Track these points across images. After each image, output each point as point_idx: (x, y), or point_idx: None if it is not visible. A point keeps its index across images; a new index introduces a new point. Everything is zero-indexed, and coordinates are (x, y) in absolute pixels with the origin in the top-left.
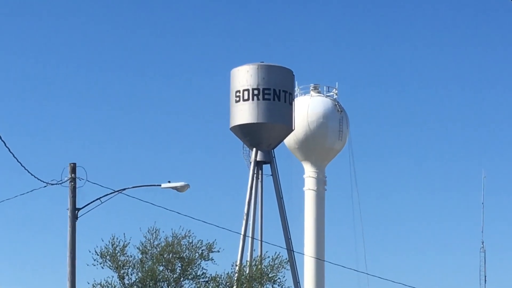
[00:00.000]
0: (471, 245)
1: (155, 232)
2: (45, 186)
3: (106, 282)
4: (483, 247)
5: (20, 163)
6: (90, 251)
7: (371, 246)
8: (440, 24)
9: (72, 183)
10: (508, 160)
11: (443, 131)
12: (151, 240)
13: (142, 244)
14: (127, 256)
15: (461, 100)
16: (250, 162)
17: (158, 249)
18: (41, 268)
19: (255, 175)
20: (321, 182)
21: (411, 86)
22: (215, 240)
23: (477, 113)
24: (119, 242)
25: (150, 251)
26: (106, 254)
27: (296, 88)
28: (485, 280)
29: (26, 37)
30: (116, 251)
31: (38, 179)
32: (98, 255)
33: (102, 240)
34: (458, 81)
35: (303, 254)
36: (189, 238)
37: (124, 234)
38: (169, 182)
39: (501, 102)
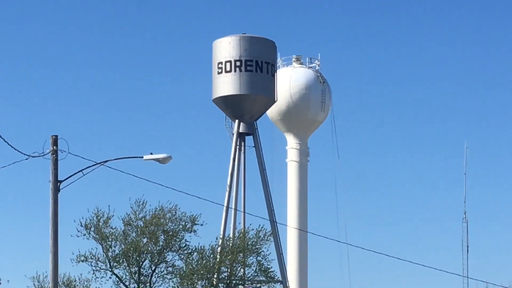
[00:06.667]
0: (453, 215)
1: (142, 204)
2: (26, 159)
3: (90, 254)
4: (465, 217)
5: (0, 136)
6: (75, 221)
7: (353, 217)
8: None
9: (54, 156)
10: (490, 131)
11: (426, 102)
12: (137, 212)
13: (127, 215)
14: (111, 228)
15: (444, 69)
16: (233, 134)
17: (143, 222)
18: (24, 240)
19: (237, 147)
20: (303, 153)
21: (394, 55)
22: (201, 213)
23: (460, 83)
24: (103, 214)
25: (134, 223)
26: (90, 225)
27: (278, 60)
28: (468, 250)
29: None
30: (100, 223)
31: (20, 152)
32: (82, 226)
33: (88, 211)
34: (442, 48)
35: (286, 225)
36: (174, 212)
37: (108, 206)
38: (151, 154)
39: (483, 73)
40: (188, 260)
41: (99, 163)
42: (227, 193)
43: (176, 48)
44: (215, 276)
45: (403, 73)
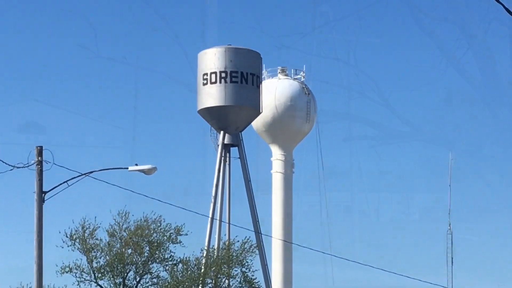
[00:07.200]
0: (438, 227)
1: (125, 215)
2: (11, 170)
3: (75, 265)
4: (450, 228)
5: None
6: (60, 232)
7: (338, 228)
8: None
9: (39, 166)
10: (476, 142)
11: (411, 113)
12: (121, 223)
13: (111, 227)
14: (96, 239)
15: (428, 80)
16: (218, 145)
17: (127, 233)
18: (8, 251)
19: (222, 158)
20: (288, 164)
21: (379, 67)
22: (184, 224)
23: (445, 94)
24: (89, 225)
25: (118, 234)
26: (76, 237)
27: (263, 71)
28: (452, 262)
29: None
30: (86, 234)
31: (4, 163)
32: (68, 237)
33: (73, 222)
34: (426, 58)
35: (271, 236)
36: (158, 223)
37: (95, 217)
38: (136, 165)
39: (467, 84)
40: (173, 271)
41: (84, 174)
42: (212, 204)
43: (162, 59)
44: (200, 287)
45: (388, 84)
